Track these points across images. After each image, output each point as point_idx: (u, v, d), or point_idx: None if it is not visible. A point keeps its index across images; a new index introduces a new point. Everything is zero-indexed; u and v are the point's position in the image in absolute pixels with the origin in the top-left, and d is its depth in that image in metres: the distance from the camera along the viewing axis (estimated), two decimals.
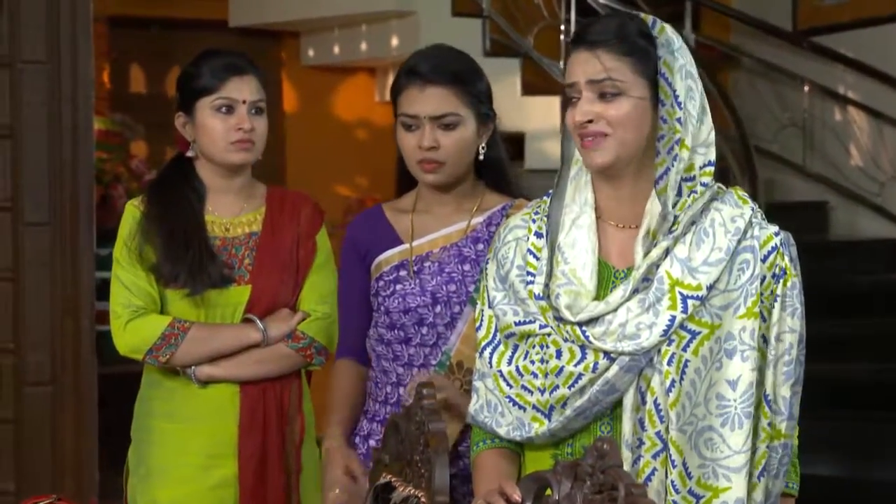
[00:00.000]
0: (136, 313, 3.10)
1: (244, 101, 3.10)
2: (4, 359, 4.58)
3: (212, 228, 3.15)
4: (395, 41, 7.27)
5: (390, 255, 2.84)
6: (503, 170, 2.91)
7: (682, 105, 2.25)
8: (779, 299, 2.28)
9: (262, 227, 3.17)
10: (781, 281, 2.29)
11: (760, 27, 7.96)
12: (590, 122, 2.26)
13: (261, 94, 3.14)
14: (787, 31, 7.92)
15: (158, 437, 3.16)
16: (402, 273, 2.81)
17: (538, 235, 2.37)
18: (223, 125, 3.10)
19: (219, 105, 3.10)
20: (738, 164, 6.28)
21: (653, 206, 2.28)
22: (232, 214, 3.17)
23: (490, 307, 2.39)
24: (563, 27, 6.76)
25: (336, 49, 7.73)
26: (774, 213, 6.71)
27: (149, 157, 8.06)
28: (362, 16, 7.37)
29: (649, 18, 2.30)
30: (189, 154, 3.17)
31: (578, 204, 2.35)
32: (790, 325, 2.29)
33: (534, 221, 2.39)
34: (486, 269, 2.45)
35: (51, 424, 4.60)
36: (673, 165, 2.26)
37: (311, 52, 8.11)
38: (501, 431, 2.34)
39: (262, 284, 3.12)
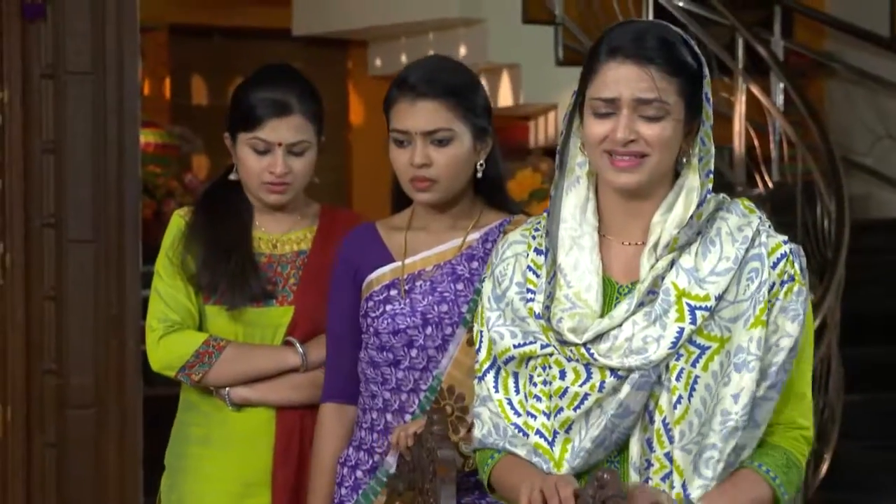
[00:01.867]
0: (171, 328, 3.11)
1: (280, 145, 3.06)
2: (47, 380, 4.63)
3: (258, 245, 3.15)
4: (462, 50, 7.29)
5: (381, 274, 2.82)
6: (502, 187, 2.89)
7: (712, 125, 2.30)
8: (780, 301, 2.28)
9: (311, 246, 3.17)
10: (787, 286, 2.29)
11: (856, 33, 7.88)
12: (631, 140, 2.26)
13: (303, 136, 3.09)
14: (884, 37, 7.83)
15: (193, 463, 3.17)
16: (393, 293, 2.79)
17: (538, 252, 2.38)
18: (258, 164, 3.07)
19: (254, 145, 3.07)
20: (824, 179, 6.22)
21: (664, 221, 2.29)
22: (281, 231, 3.18)
23: (487, 329, 2.40)
24: None
25: (403, 58, 7.76)
26: (869, 230, 6.67)
27: (210, 170, 8.16)
28: (430, 23, 7.40)
29: (678, 30, 2.29)
30: (232, 177, 3.17)
31: (578, 221, 2.36)
32: (788, 329, 2.28)
33: (534, 238, 2.40)
34: (482, 288, 2.46)
35: (94, 449, 4.64)
36: (710, 190, 2.30)
37: (378, 62, 8.16)
38: (521, 453, 2.34)
39: (306, 306, 3.11)
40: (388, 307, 2.78)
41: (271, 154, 3.07)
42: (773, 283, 2.28)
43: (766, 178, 6.86)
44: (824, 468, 5.54)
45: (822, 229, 6.28)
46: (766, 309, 2.26)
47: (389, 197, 2.97)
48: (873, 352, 6.27)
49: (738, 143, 6.72)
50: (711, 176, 2.31)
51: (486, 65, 7.34)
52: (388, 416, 2.79)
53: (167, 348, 3.11)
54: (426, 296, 2.76)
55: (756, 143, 6.86)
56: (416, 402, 2.75)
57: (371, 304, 2.80)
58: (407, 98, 2.75)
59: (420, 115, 2.74)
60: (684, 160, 2.32)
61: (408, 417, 2.75)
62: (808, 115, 6.48)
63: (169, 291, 3.13)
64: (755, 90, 6.72)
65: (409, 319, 2.76)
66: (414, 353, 2.76)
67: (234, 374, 3.10)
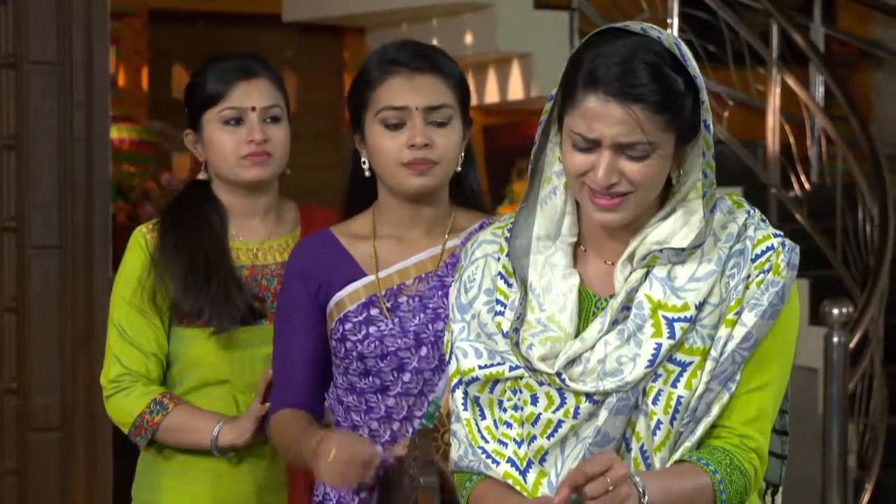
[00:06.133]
0: (116, 388, 3.12)
1: (254, 109, 3.09)
2: (7, 401, 4.63)
3: (237, 256, 3.14)
4: (469, 38, 7.30)
5: (355, 290, 2.75)
6: (477, 189, 2.86)
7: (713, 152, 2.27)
8: (749, 290, 2.27)
9: None
10: (761, 277, 2.28)
11: None
12: (613, 183, 2.25)
13: (275, 100, 3.12)
14: None
15: (167, 497, 3.16)
16: (374, 312, 2.73)
17: (511, 256, 2.37)
18: (232, 139, 3.08)
19: (226, 116, 3.09)
20: (867, 181, 6.22)
21: (644, 235, 2.29)
22: (260, 239, 3.17)
23: (453, 341, 2.39)
24: (668, 21, 6.76)
25: None
26: None
27: (192, 170, 8.17)
28: (433, 8, 7.42)
29: (671, 40, 2.24)
30: (201, 177, 3.18)
31: (552, 237, 2.35)
32: (744, 318, 2.27)
33: (507, 239, 2.39)
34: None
35: (59, 476, 4.64)
36: (713, 230, 2.29)
37: None
38: (496, 476, 2.33)
39: None
40: (373, 328, 2.72)
41: (245, 123, 3.08)
42: (749, 276, 2.28)
43: (803, 179, 6.85)
44: (865, 498, 5.54)
45: (865, 235, 6.28)
46: (735, 307, 2.26)
47: (343, 201, 2.90)
48: None
49: (772, 141, 6.72)
50: (714, 213, 2.30)
51: (495, 54, 7.36)
52: (378, 449, 2.69)
53: (113, 410, 3.15)
54: (416, 313, 2.72)
55: (792, 140, 6.86)
56: (410, 430, 2.70)
57: (349, 326, 2.74)
58: (402, 74, 2.70)
59: (421, 89, 2.70)
60: (675, 179, 2.30)
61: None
62: (850, 109, 6.48)
63: (125, 339, 3.13)
64: (791, 82, 6.72)
65: (399, 341, 2.70)
66: (407, 377, 2.70)
67: (178, 443, 3.11)
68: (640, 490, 2.14)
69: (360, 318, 2.74)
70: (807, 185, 6.83)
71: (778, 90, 6.72)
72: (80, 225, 4.65)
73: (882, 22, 8.24)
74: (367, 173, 2.79)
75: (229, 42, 8.25)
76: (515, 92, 7.43)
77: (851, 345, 5.24)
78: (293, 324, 2.82)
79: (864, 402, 5.63)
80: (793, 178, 6.83)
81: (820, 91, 6.98)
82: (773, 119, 6.71)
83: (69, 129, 4.65)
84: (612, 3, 7.06)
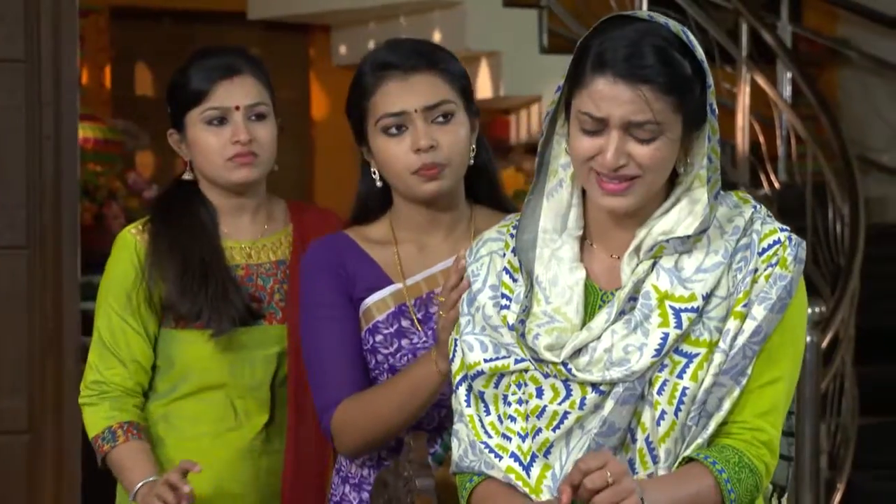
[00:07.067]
0: (87, 399, 3.09)
1: (237, 108, 3.03)
2: None
3: (231, 255, 3.10)
4: (437, 36, 7.31)
5: (382, 299, 2.69)
6: (496, 179, 2.80)
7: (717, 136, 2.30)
8: (757, 285, 2.30)
9: (290, 256, 3.12)
10: (769, 270, 2.30)
11: (872, 17, 7.93)
12: (621, 165, 2.26)
13: (260, 97, 3.07)
14: None
15: None
16: (405, 323, 2.67)
17: (516, 252, 2.39)
18: (217, 140, 3.03)
19: (209, 116, 3.03)
20: (837, 180, 6.25)
21: (651, 226, 2.32)
22: (253, 237, 3.13)
23: (460, 336, 2.40)
24: None
25: (371, 45, 7.78)
26: (886, 236, 6.69)
27: (157, 169, 8.15)
28: (401, 6, 7.43)
29: (678, 27, 2.27)
30: (186, 177, 3.12)
31: (559, 230, 2.37)
32: (754, 312, 2.29)
33: (512, 236, 2.41)
34: None
35: (27, 480, 4.62)
36: (717, 215, 2.31)
37: (342, 50, 8.19)
38: (498, 476, 2.34)
39: (297, 324, 2.95)
40: (405, 341, 2.67)
41: (230, 123, 3.04)
42: (757, 270, 2.30)
43: (773, 177, 6.89)
44: (837, 499, 5.57)
45: (835, 235, 6.31)
46: (743, 300, 2.29)
47: (355, 211, 2.82)
48: (891, 370, 6.30)
49: (742, 139, 6.75)
50: (719, 198, 2.33)
51: (464, 52, 7.36)
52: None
53: (84, 418, 3.11)
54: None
55: (761, 138, 6.89)
56: (439, 441, 2.68)
57: (380, 338, 2.68)
58: (395, 76, 2.65)
59: (418, 89, 2.64)
60: (681, 170, 2.33)
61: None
62: (819, 107, 6.52)
63: (103, 345, 3.10)
64: (760, 80, 6.75)
65: None
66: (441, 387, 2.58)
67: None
68: (640, 498, 2.15)
69: (391, 329, 2.68)
70: (776, 184, 6.86)
71: (747, 89, 6.75)
72: (48, 226, 4.62)
73: (848, 20, 8.28)
74: (378, 183, 2.74)
75: (193, 40, 8.25)
76: (484, 91, 7.45)
77: (823, 345, 5.26)
78: (327, 318, 2.71)
79: (836, 402, 5.66)
80: (762, 177, 6.86)
81: (788, 89, 7.01)
82: (742, 118, 6.74)
83: (37, 129, 4.62)
84: (582, 1, 7.08)
